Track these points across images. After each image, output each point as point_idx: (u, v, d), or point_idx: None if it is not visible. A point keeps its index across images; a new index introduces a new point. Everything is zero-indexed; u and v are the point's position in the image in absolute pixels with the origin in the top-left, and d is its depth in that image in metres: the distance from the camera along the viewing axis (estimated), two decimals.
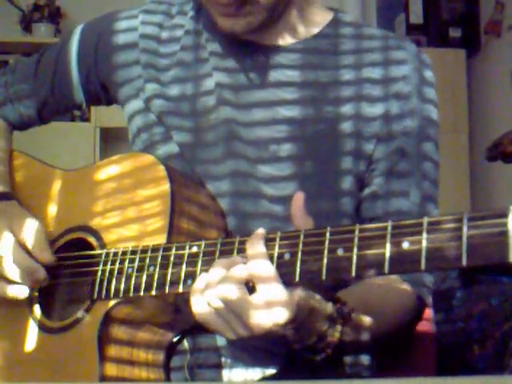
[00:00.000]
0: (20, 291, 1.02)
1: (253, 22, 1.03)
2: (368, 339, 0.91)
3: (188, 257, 0.88)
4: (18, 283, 1.02)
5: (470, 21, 3.71)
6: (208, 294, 0.83)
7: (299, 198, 0.87)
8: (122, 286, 0.93)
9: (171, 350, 1.00)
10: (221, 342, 1.00)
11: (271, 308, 0.81)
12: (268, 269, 0.81)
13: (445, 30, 3.70)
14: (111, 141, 3.71)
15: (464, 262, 0.70)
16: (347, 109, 1.06)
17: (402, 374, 1.14)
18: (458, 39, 3.70)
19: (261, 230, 0.85)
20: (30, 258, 1.02)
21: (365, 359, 1.08)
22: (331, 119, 1.06)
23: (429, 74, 1.12)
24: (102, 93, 1.19)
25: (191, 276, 0.87)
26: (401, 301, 1.05)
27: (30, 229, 1.04)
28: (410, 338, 1.15)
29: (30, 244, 1.03)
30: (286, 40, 1.10)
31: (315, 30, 1.11)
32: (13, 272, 1.01)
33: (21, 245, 1.03)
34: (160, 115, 1.09)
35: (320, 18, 1.12)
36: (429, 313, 1.20)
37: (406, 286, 1.05)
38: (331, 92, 1.07)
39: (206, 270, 0.85)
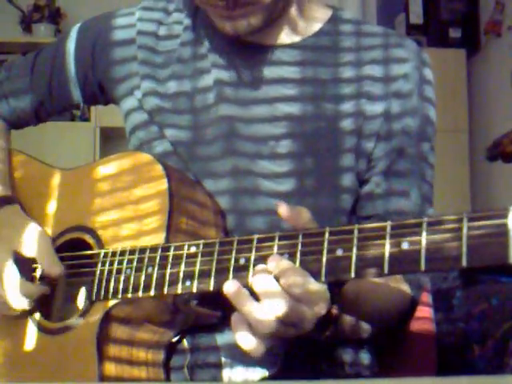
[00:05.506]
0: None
1: (254, 22, 1.01)
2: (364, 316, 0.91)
3: (186, 257, 0.87)
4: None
5: (469, 21, 3.71)
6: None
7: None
8: (121, 287, 0.92)
9: (171, 349, 1.00)
10: (221, 341, 0.99)
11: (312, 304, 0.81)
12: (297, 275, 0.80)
13: (445, 30, 3.70)
14: (111, 141, 3.70)
15: (464, 262, 0.69)
16: (347, 106, 1.06)
17: (402, 373, 1.14)
18: (458, 39, 3.70)
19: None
20: (28, 284, 1.03)
21: (365, 359, 1.08)
22: (331, 116, 1.06)
23: (428, 73, 1.11)
24: (99, 92, 1.18)
25: (190, 276, 0.86)
26: (392, 292, 1.04)
27: (36, 241, 1.04)
28: (404, 334, 1.15)
29: (38, 258, 1.03)
30: (286, 37, 1.09)
31: (315, 27, 1.11)
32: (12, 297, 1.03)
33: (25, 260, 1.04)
34: (151, 113, 1.09)
35: (320, 15, 1.12)
36: (429, 312, 1.20)
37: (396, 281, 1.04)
38: (331, 89, 1.07)
39: (205, 271, 0.85)
